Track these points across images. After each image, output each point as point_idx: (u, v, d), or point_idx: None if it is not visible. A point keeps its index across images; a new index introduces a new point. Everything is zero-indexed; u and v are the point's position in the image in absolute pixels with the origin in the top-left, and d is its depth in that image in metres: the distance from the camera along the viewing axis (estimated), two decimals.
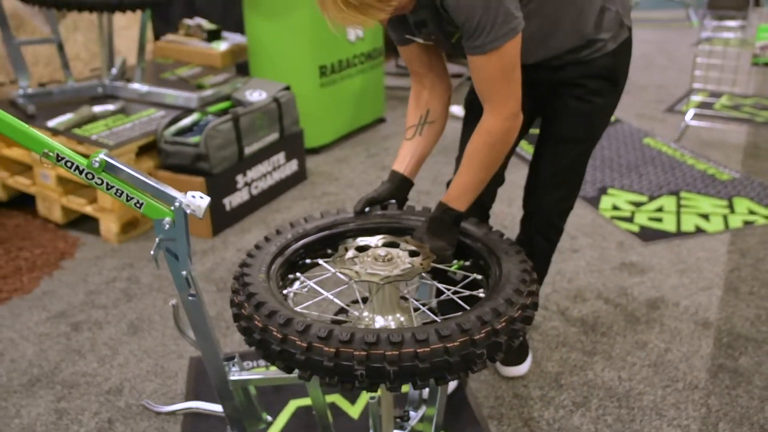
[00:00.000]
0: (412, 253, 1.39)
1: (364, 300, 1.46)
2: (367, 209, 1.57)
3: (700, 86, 3.89)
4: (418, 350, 1.13)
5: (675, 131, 3.86)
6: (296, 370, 1.19)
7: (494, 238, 1.48)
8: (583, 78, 1.62)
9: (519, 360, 1.95)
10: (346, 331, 1.14)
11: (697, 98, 4.09)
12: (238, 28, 3.83)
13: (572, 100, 1.65)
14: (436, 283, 1.50)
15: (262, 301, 1.24)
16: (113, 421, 1.78)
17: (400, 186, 1.56)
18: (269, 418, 1.64)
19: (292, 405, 1.83)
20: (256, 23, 3.51)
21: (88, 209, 2.74)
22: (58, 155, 1.24)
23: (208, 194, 2.67)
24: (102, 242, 2.74)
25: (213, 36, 3.68)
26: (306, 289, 1.46)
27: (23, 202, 2.98)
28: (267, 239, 1.48)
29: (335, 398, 1.86)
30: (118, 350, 2.07)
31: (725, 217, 2.84)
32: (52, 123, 2.72)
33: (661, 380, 1.90)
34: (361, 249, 1.41)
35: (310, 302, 1.40)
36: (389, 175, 1.57)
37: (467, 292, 1.43)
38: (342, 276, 1.38)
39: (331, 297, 1.40)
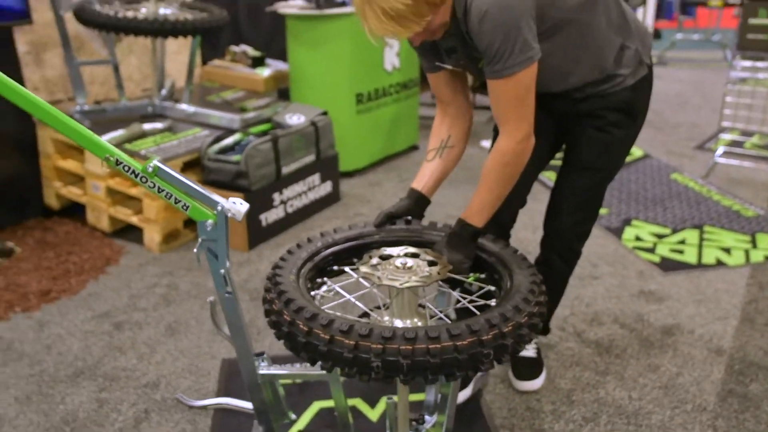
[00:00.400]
0: (431, 263, 1.51)
1: (386, 306, 1.58)
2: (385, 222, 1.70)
3: (729, 125, 3.96)
4: (430, 346, 1.23)
5: (704, 168, 3.92)
6: (319, 363, 1.31)
7: (508, 253, 1.58)
8: (602, 110, 1.74)
9: (533, 375, 2.04)
10: (365, 327, 1.26)
11: (727, 137, 4.14)
12: (281, 56, 4.03)
13: (592, 131, 1.76)
14: (452, 292, 1.62)
15: (291, 298, 1.37)
16: (149, 412, 1.92)
17: (418, 202, 1.68)
18: (293, 416, 1.76)
19: (316, 406, 1.95)
20: (298, 52, 3.70)
21: (134, 219, 2.92)
22: (117, 160, 1.39)
23: (247, 210, 2.84)
24: (145, 251, 2.91)
25: (257, 62, 3.88)
26: (332, 293, 1.59)
27: (74, 211, 3.18)
28: (299, 246, 1.61)
29: (356, 402, 1.96)
30: (156, 349, 2.22)
31: (747, 252, 2.89)
32: (104, 138, 2.91)
33: (670, 401, 1.97)
34: (384, 258, 1.53)
35: (334, 303, 1.52)
36: (408, 192, 1.69)
37: (482, 302, 1.54)
38: (364, 281, 1.51)
39: (353, 300, 1.52)
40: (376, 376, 1.26)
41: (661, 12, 10.45)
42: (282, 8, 3.69)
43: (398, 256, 1.53)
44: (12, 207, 3.10)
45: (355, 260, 1.69)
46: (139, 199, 2.92)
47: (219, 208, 1.43)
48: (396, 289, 1.48)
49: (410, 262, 1.51)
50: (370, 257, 1.53)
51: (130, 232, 3.03)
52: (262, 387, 1.64)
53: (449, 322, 1.48)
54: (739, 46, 3.66)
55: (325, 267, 1.64)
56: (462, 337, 1.25)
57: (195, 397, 1.97)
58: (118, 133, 2.98)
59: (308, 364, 1.36)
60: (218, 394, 1.99)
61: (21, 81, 3.04)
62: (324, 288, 1.59)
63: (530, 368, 2.05)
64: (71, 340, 2.26)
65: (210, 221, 1.43)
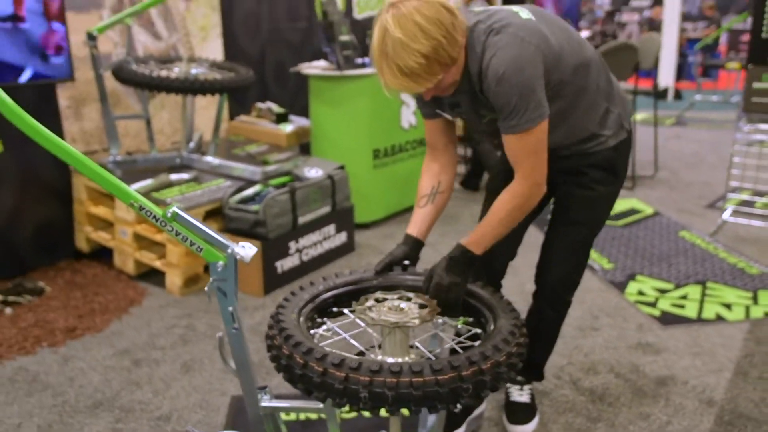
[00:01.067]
0: (422, 306, 1.64)
1: (380, 346, 1.70)
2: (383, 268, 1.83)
3: (737, 185, 4.05)
4: (414, 380, 1.36)
5: (713, 226, 4.00)
6: (314, 393, 1.44)
7: (495, 299, 1.71)
8: (586, 167, 1.88)
9: (526, 420, 2.12)
10: (355, 361, 1.39)
11: (738, 196, 4.22)
12: (304, 113, 4.25)
13: (577, 188, 1.90)
14: (441, 334, 1.74)
15: (291, 334, 1.51)
16: None
17: (413, 247, 1.82)
18: None
19: None
20: (319, 109, 3.92)
21: (157, 264, 3.10)
22: (140, 206, 1.56)
23: (263, 257, 3.02)
24: (166, 294, 3.08)
25: (281, 119, 4.10)
26: (331, 332, 1.72)
27: (103, 254, 3.38)
28: (302, 288, 1.76)
29: None
30: (170, 385, 2.35)
31: (747, 308, 2.95)
32: (134, 187, 3.12)
33: None
34: (379, 301, 1.67)
35: (331, 341, 1.65)
36: (404, 238, 1.83)
37: (469, 343, 1.66)
38: (359, 321, 1.65)
39: (348, 338, 1.66)
40: (364, 406, 1.38)
41: (682, 73, 10.64)
42: (305, 69, 3.94)
43: (392, 299, 1.67)
44: (45, 249, 3.32)
45: (353, 302, 1.83)
46: (163, 245, 3.10)
47: (229, 251, 1.58)
48: (388, 328, 1.61)
49: (402, 304, 1.65)
50: (366, 299, 1.67)
51: (153, 276, 3.21)
52: (263, 419, 1.76)
53: None
54: (744, 108, 3.79)
55: (325, 308, 1.77)
56: (443, 372, 1.37)
57: (204, 430, 2.10)
58: (147, 183, 3.19)
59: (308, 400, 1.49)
60: (225, 428, 2.11)
61: (61, 132, 3.29)
62: (323, 328, 1.73)
63: (524, 413, 2.14)
64: (92, 374, 2.41)
65: (221, 263, 1.58)
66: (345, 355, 1.43)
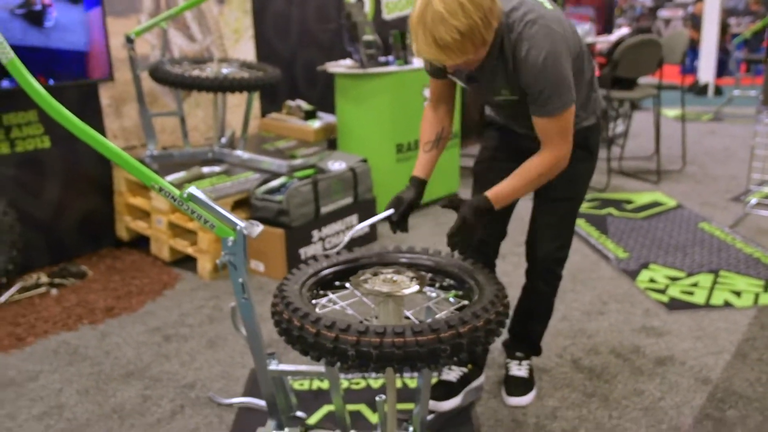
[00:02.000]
0: (413, 279, 1.79)
1: (376, 316, 1.86)
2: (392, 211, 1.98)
3: (758, 177, 4.07)
4: (395, 340, 1.51)
5: (735, 219, 4.02)
6: (309, 353, 1.60)
7: (483, 274, 1.84)
8: None
9: (523, 393, 2.25)
10: (345, 323, 1.54)
11: (761, 189, 4.23)
12: (332, 109, 4.43)
13: None
14: (433, 306, 1.89)
15: (291, 301, 1.68)
16: (184, 407, 2.24)
17: (419, 187, 1.99)
18: (303, 414, 2.04)
19: (325, 409, 2.22)
20: (344, 106, 4.10)
21: (190, 250, 3.32)
22: (160, 187, 1.76)
23: (287, 244, 3.21)
24: (197, 278, 3.30)
25: (309, 115, 4.29)
26: (331, 303, 1.89)
27: (140, 242, 3.63)
28: (306, 263, 1.92)
29: (360, 407, 2.22)
30: (196, 358, 2.56)
31: (757, 295, 3.00)
32: (168, 178, 3.35)
33: (648, 422, 2.14)
34: (375, 275, 1.83)
35: (329, 309, 1.81)
36: (412, 179, 1.99)
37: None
38: (356, 292, 1.81)
39: (346, 307, 1.81)
40: (351, 364, 1.54)
41: (724, 69, 10.48)
42: (331, 67, 4.12)
43: (386, 273, 1.83)
44: (89, 237, 3.58)
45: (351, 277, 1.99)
46: (195, 233, 3.32)
47: (238, 227, 1.75)
48: (381, 298, 1.77)
49: (395, 277, 1.80)
50: (363, 274, 1.83)
51: (186, 262, 3.44)
52: (272, 382, 1.93)
53: None
54: (764, 102, 3.81)
55: (327, 282, 1.94)
56: (423, 333, 1.52)
57: (224, 397, 2.29)
58: (180, 175, 3.42)
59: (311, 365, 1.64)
60: (244, 396, 2.29)
61: (102, 129, 3.54)
62: (325, 299, 1.89)
63: (521, 386, 2.26)
64: (126, 348, 2.63)
65: (231, 238, 1.76)
66: (336, 319, 1.58)
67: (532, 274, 2.21)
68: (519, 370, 2.30)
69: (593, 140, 2.06)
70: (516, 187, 1.87)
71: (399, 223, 1.96)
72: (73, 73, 3.23)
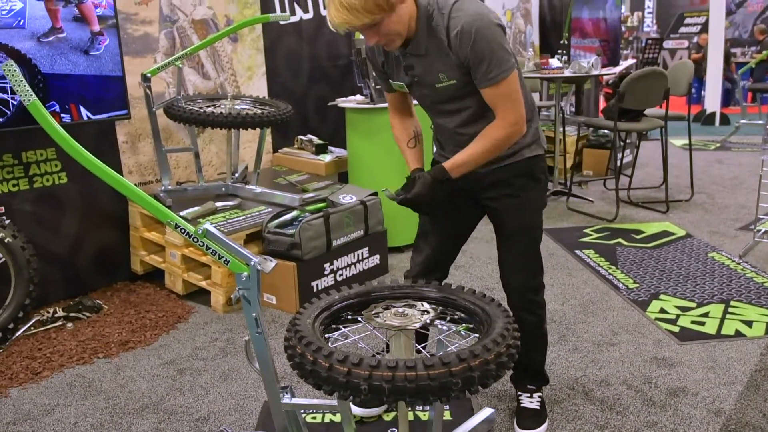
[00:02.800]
0: (425, 312, 1.82)
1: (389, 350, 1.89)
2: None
3: (767, 206, 4.08)
4: (407, 374, 1.53)
5: (744, 248, 4.03)
6: (322, 387, 1.62)
7: (493, 308, 1.87)
8: (511, 178, 2.08)
9: (535, 425, 2.25)
10: (357, 357, 1.57)
11: None
12: (342, 144, 4.50)
13: (506, 198, 2.10)
14: (442, 337, 1.91)
15: (304, 335, 1.71)
16: None
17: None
18: None
19: None
20: (355, 140, 4.17)
21: (203, 284, 3.36)
22: (176, 224, 1.81)
23: (299, 277, 3.24)
24: (211, 311, 3.33)
25: (320, 149, 4.36)
26: (345, 337, 1.91)
27: (155, 276, 3.67)
28: (319, 297, 1.96)
29: None
30: (210, 391, 2.58)
31: None
32: (182, 213, 3.41)
33: None
34: (387, 308, 1.86)
35: (341, 343, 1.84)
36: (415, 171, 2.09)
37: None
38: (368, 326, 1.84)
39: (358, 341, 1.84)
40: (364, 397, 1.56)
41: (729, 99, 10.54)
42: (342, 103, 4.20)
43: (397, 306, 1.86)
44: (104, 271, 3.63)
45: (364, 311, 2.02)
46: (208, 266, 3.37)
47: (252, 263, 1.79)
48: (393, 332, 1.80)
49: (407, 310, 1.83)
50: (375, 307, 1.87)
51: (200, 295, 3.48)
52: (286, 417, 1.95)
53: None
54: None
55: (339, 315, 1.97)
56: (435, 367, 1.54)
57: (237, 431, 2.30)
58: (194, 209, 3.47)
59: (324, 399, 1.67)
60: (256, 429, 2.31)
61: (119, 165, 3.62)
62: (338, 333, 1.92)
63: (533, 419, 2.27)
64: (141, 381, 2.66)
65: (245, 273, 1.80)
66: (348, 352, 1.61)
67: (514, 307, 2.23)
68: (531, 402, 2.31)
69: (538, 169, 2.13)
70: (473, 154, 1.95)
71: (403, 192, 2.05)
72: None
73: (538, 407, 2.30)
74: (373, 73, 2.11)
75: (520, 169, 2.08)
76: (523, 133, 1.97)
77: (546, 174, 2.19)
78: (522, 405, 2.32)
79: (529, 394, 2.33)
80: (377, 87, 3.95)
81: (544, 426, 2.27)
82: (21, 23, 2.96)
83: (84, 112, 3.21)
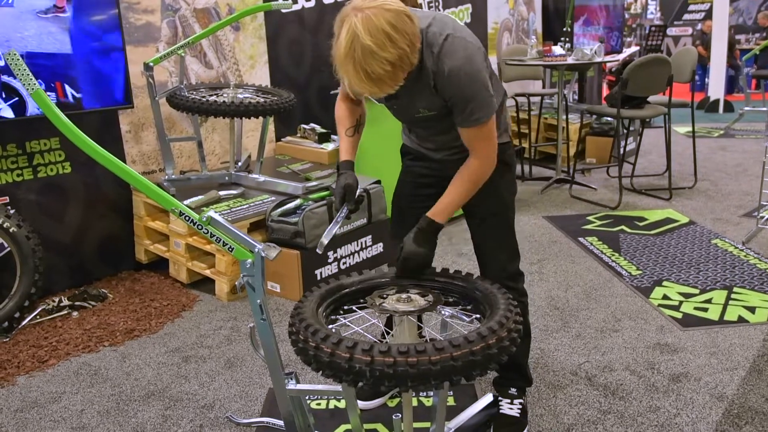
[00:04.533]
0: (426, 298, 1.83)
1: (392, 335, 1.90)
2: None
3: None
4: (408, 359, 1.53)
5: (748, 234, 4.03)
6: (324, 371, 1.63)
7: (495, 293, 1.87)
8: None
9: None
10: (352, 341, 1.58)
11: None
12: None
13: None
14: (450, 321, 1.92)
15: (309, 323, 1.71)
16: (203, 427, 2.28)
17: (353, 169, 2.08)
18: None
19: (342, 428, 2.25)
20: None
21: (207, 272, 3.38)
22: (180, 212, 1.81)
23: (303, 265, 3.25)
24: (215, 300, 3.35)
25: (323, 138, 4.36)
26: (349, 321, 1.92)
27: (159, 265, 3.69)
28: (320, 285, 1.96)
29: (377, 426, 2.25)
30: (215, 378, 2.60)
31: None
32: (186, 202, 3.41)
33: None
34: (389, 296, 1.87)
35: (350, 332, 1.85)
36: (345, 164, 2.07)
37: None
38: (372, 309, 1.85)
39: (360, 330, 1.85)
40: (366, 382, 1.56)
41: (733, 86, 10.49)
42: None
43: (401, 292, 1.87)
44: (109, 261, 3.65)
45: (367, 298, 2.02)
46: (212, 255, 3.38)
47: (256, 250, 1.80)
48: (397, 318, 1.81)
49: (411, 295, 1.84)
50: (378, 294, 1.88)
51: (204, 284, 3.49)
52: (291, 402, 1.97)
53: None
54: None
55: (343, 301, 1.98)
56: (426, 353, 1.53)
57: (242, 417, 2.32)
58: (198, 198, 3.48)
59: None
60: (262, 416, 2.33)
61: (122, 154, 3.62)
62: (343, 320, 1.93)
63: (510, 427, 2.18)
64: (146, 369, 2.68)
65: (249, 260, 1.81)
66: (347, 337, 1.61)
67: None
68: (510, 409, 2.23)
69: (508, 154, 2.14)
70: (455, 197, 1.95)
71: (355, 208, 2.07)
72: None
73: (518, 414, 2.21)
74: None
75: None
76: (495, 165, 1.97)
77: (514, 161, 2.21)
78: (501, 411, 2.23)
79: (509, 401, 2.24)
80: None
81: None
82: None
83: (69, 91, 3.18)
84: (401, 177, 2.32)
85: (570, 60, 5.31)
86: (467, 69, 1.79)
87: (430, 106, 1.89)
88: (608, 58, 5.72)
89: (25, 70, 1.75)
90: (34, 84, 1.75)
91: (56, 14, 3.08)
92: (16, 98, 2.96)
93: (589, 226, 4.35)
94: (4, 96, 2.95)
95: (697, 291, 3.27)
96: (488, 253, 2.20)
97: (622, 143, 5.72)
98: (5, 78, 2.93)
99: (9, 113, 2.97)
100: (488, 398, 2.30)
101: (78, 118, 3.18)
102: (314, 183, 3.78)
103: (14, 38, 2.96)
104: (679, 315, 3.01)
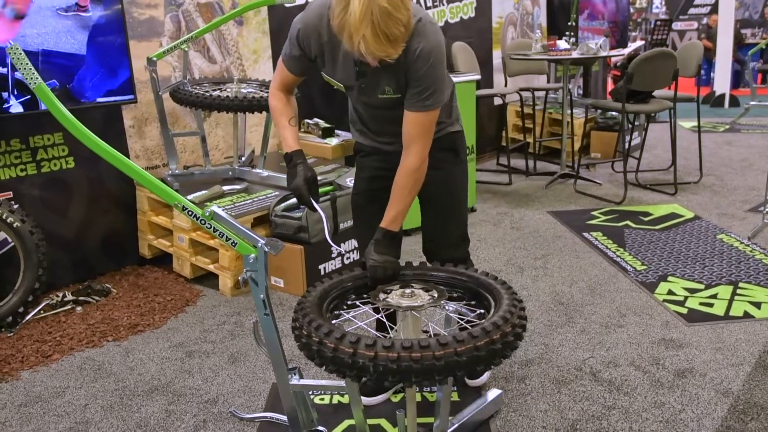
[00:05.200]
0: (429, 293, 1.83)
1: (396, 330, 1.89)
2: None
3: None
4: (412, 354, 1.53)
5: (753, 229, 4.01)
6: (328, 366, 1.63)
7: (499, 288, 1.86)
8: (435, 151, 2.05)
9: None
10: (356, 336, 1.57)
11: None
12: (348, 127, 4.49)
13: (430, 170, 2.06)
14: (450, 313, 1.92)
15: (312, 318, 1.71)
16: (207, 422, 2.28)
17: (305, 158, 2.10)
18: (324, 429, 2.06)
19: (345, 423, 2.25)
20: None
21: (211, 267, 3.37)
22: (183, 206, 1.81)
23: (306, 260, 3.25)
24: (219, 295, 3.35)
25: (327, 133, 4.34)
26: (354, 316, 1.92)
27: (163, 260, 3.69)
28: (323, 281, 1.96)
29: (381, 421, 2.25)
30: (218, 373, 2.59)
31: None
32: (189, 197, 3.41)
33: None
34: (394, 290, 1.86)
35: (351, 328, 1.84)
36: (297, 154, 2.08)
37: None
38: (377, 303, 1.84)
39: (364, 325, 1.85)
40: (369, 377, 1.56)
41: (739, 80, 10.44)
42: None
43: (404, 288, 1.86)
44: (112, 256, 3.65)
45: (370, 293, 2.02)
46: (216, 250, 3.38)
47: (259, 245, 1.80)
48: (401, 313, 1.80)
49: (414, 291, 1.84)
50: (381, 289, 1.87)
51: (208, 279, 3.49)
52: (293, 397, 1.96)
53: None
54: None
55: (346, 297, 1.97)
56: (430, 348, 1.53)
57: (246, 412, 2.32)
58: (201, 193, 3.48)
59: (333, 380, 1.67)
60: (265, 411, 2.32)
61: (126, 150, 3.62)
62: (347, 315, 1.93)
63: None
64: (150, 364, 2.68)
65: (252, 255, 1.80)
66: (349, 332, 1.60)
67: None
68: None
69: (460, 144, 2.21)
70: (400, 206, 1.99)
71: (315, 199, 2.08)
72: None
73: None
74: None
75: (444, 143, 2.14)
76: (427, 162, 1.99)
77: (466, 150, 2.25)
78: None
79: None
80: None
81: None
82: None
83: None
84: (357, 174, 2.35)
85: (575, 54, 5.28)
86: (437, 53, 1.86)
87: (396, 87, 1.93)
88: (613, 52, 5.69)
89: (27, 64, 1.74)
90: (37, 78, 1.74)
91: (77, 13, 3.08)
92: (29, 96, 2.95)
93: (593, 221, 4.33)
94: (16, 93, 2.95)
95: (702, 286, 3.25)
96: (439, 237, 2.27)
97: (627, 138, 5.69)
98: (19, 75, 2.92)
99: (19, 109, 2.97)
100: (493, 393, 2.30)
101: (81, 113, 3.18)
102: (318, 178, 3.76)
103: (30, 35, 2.96)
104: (684, 310, 2.99)
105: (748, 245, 3.78)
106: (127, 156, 3.61)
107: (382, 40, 1.68)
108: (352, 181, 3.64)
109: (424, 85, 1.87)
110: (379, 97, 1.98)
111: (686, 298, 3.12)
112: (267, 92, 3.72)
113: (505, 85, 5.69)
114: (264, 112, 3.64)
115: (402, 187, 1.98)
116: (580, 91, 7.44)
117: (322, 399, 2.40)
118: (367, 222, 2.17)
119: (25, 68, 1.73)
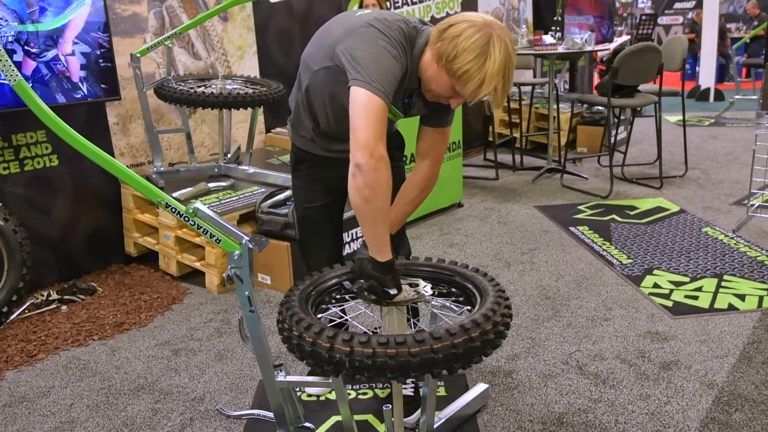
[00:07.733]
0: (415, 288, 1.82)
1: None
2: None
3: (761, 180, 4.08)
4: (388, 351, 1.51)
5: (738, 222, 4.04)
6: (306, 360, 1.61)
7: (485, 284, 1.86)
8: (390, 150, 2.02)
9: (409, 411, 2.15)
10: (333, 331, 1.56)
11: (764, 192, 4.24)
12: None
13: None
14: (436, 310, 1.91)
15: (294, 312, 1.70)
16: (194, 420, 2.27)
17: None
18: (311, 425, 2.06)
19: (333, 419, 2.24)
20: None
21: (197, 264, 3.36)
22: (166, 204, 1.79)
23: (293, 257, 3.23)
24: (205, 292, 3.33)
25: None
26: (339, 314, 1.91)
27: (149, 258, 3.67)
28: (308, 276, 1.95)
29: (368, 417, 2.25)
30: (205, 371, 2.58)
31: (761, 298, 3.02)
32: (175, 194, 3.39)
33: (654, 426, 2.15)
34: None
35: (336, 322, 1.84)
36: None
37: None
38: (359, 300, 1.83)
39: (350, 320, 1.84)
40: (346, 373, 1.54)
41: (724, 75, 10.51)
42: None
43: None
44: (98, 254, 3.62)
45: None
46: (202, 247, 3.36)
47: (244, 241, 1.79)
48: (385, 308, 1.80)
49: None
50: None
51: (194, 277, 3.47)
52: (280, 393, 1.96)
53: None
54: (763, 106, 3.84)
55: (331, 293, 1.96)
56: (407, 344, 1.52)
57: (233, 410, 2.31)
58: (187, 190, 3.46)
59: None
60: (252, 408, 2.32)
61: (110, 147, 3.59)
62: (331, 311, 1.92)
63: (406, 405, 2.11)
64: (136, 363, 2.67)
65: (237, 252, 1.79)
66: (328, 327, 1.58)
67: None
68: (405, 388, 2.23)
69: (401, 142, 2.31)
70: (406, 210, 2.07)
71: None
72: None
73: (412, 393, 2.25)
74: (387, 81, 1.69)
75: (397, 141, 2.23)
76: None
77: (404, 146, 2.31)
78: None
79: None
80: None
81: (418, 413, 2.17)
82: None
83: None
84: (305, 186, 2.21)
85: (561, 49, 5.30)
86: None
87: (421, 109, 1.97)
88: (599, 47, 5.71)
89: (7, 60, 1.72)
90: (17, 75, 1.72)
91: None
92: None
93: (580, 216, 4.35)
94: None
95: (687, 279, 3.27)
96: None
97: (613, 132, 5.71)
98: None
99: None
100: (480, 387, 2.31)
101: (64, 110, 3.16)
102: None
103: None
104: (669, 303, 3.01)
105: (732, 238, 3.81)
106: (112, 154, 3.58)
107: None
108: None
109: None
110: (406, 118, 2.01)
111: (671, 291, 3.14)
112: (252, 88, 3.71)
113: None
114: (249, 108, 3.62)
115: (416, 190, 2.05)
116: (567, 86, 7.46)
117: (309, 395, 2.40)
118: (326, 236, 2.22)
119: (4, 65, 1.71)
